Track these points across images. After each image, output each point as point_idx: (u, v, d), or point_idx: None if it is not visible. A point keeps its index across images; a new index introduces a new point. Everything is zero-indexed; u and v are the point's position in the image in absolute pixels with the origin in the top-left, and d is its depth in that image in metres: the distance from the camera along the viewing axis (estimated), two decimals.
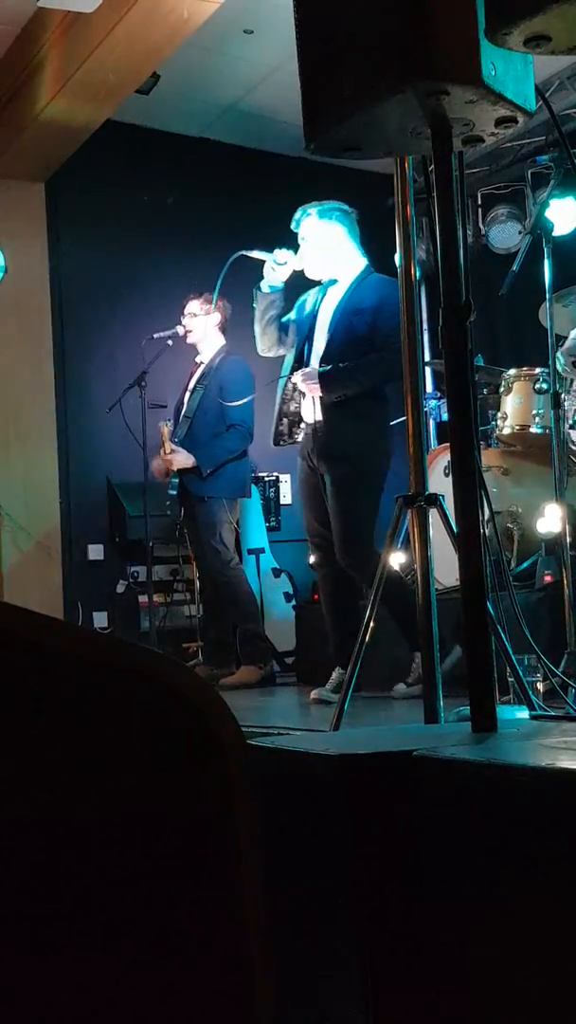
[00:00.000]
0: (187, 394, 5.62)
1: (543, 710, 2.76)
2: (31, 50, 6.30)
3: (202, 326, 5.56)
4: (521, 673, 2.79)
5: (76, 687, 0.66)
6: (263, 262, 4.47)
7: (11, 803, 0.65)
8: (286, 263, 4.44)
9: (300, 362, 4.47)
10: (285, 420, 4.52)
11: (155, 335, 5.73)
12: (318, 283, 4.60)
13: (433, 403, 6.07)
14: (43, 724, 0.66)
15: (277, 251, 4.46)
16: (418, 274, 2.94)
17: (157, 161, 7.34)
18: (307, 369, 4.38)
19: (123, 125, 6.97)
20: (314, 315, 4.53)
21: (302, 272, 4.51)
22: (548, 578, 4.31)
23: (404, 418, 2.86)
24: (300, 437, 4.48)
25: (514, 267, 4.10)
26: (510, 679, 2.87)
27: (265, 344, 4.59)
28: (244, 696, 4.86)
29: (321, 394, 4.33)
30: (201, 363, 5.63)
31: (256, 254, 4.46)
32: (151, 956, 0.67)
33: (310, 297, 4.61)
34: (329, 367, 4.34)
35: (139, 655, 0.69)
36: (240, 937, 0.69)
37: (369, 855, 1.78)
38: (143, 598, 6.50)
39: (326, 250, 4.48)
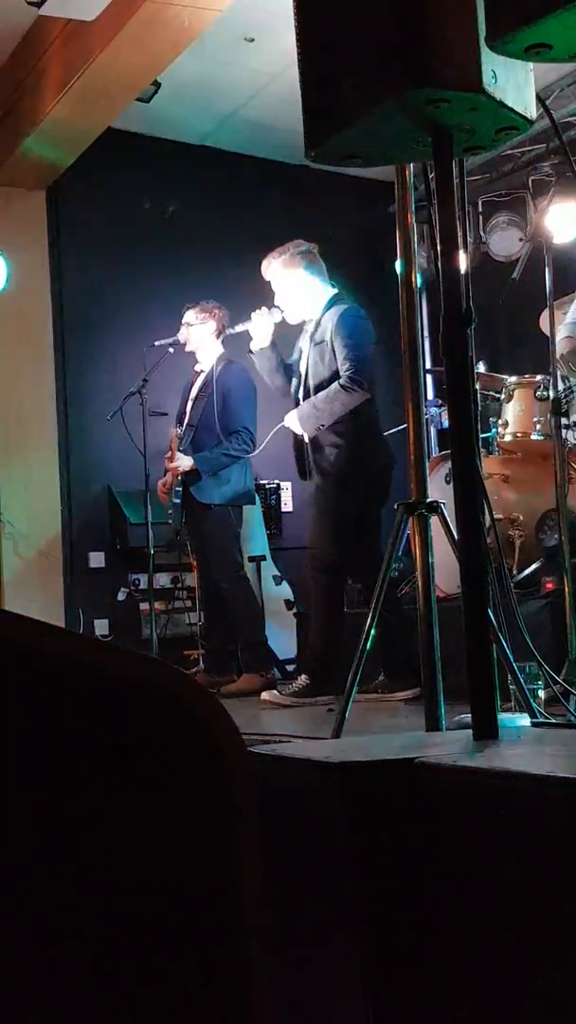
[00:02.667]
0: (189, 403, 5.61)
1: (544, 717, 2.75)
2: (32, 58, 6.31)
3: (198, 335, 5.57)
4: (522, 680, 2.79)
5: (77, 695, 0.66)
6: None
7: (10, 808, 0.65)
8: (258, 324, 4.83)
9: (298, 402, 4.72)
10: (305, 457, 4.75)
11: (156, 343, 5.73)
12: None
13: (434, 410, 6.08)
14: (43, 732, 0.65)
15: (254, 314, 4.85)
16: (419, 281, 2.94)
17: (158, 169, 7.35)
18: (290, 413, 4.69)
19: (124, 133, 6.97)
20: (300, 353, 4.83)
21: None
22: (549, 585, 4.31)
23: (404, 425, 2.86)
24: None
25: (514, 275, 4.10)
26: (511, 686, 2.86)
27: (280, 392, 4.90)
28: (245, 704, 4.85)
29: (302, 432, 4.64)
30: (201, 371, 5.62)
31: (239, 328, 4.98)
32: (150, 962, 0.67)
33: (301, 337, 4.90)
34: (300, 407, 4.66)
35: (140, 663, 0.69)
36: (240, 945, 0.68)
37: (370, 862, 1.78)
38: (144, 605, 6.49)
39: (293, 295, 4.76)
